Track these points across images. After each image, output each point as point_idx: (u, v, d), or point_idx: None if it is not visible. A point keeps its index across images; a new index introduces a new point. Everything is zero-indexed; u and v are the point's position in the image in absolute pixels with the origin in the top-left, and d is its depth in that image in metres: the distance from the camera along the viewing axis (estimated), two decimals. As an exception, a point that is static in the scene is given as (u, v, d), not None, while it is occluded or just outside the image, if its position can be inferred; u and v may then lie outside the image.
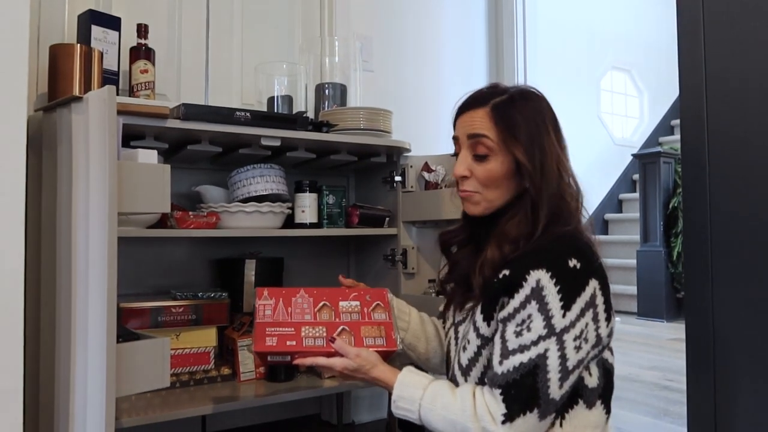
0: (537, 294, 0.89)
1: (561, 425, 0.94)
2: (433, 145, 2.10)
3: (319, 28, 2.20)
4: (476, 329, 0.99)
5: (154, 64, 1.74)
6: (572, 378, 0.90)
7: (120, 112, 1.36)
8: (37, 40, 1.64)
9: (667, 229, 4.63)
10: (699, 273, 1.23)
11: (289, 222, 1.71)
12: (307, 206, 1.73)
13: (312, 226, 1.72)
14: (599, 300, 0.92)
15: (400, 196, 1.84)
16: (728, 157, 1.20)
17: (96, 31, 1.63)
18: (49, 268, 1.15)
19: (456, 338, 1.07)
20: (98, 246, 0.99)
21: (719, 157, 1.21)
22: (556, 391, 0.88)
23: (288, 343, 1.06)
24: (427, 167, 1.84)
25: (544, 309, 0.89)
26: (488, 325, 0.96)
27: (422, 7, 2.48)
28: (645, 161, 4.78)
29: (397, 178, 1.85)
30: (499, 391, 0.89)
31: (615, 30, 5.61)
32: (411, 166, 1.85)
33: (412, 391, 0.97)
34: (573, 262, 0.90)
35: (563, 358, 0.88)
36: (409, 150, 1.83)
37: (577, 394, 0.95)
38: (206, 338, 1.63)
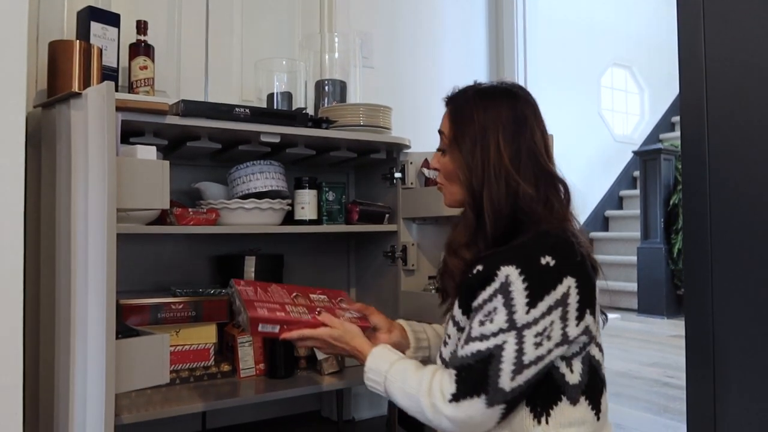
0: (504, 289, 0.91)
1: (547, 422, 0.94)
2: (433, 141, 2.08)
3: (318, 24, 2.19)
4: (456, 323, 1.01)
5: (153, 61, 1.74)
6: (528, 373, 0.90)
7: (119, 109, 1.36)
8: (36, 37, 1.64)
9: (668, 226, 4.63)
10: (699, 270, 1.23)
11: (289, 218, 1.71)
12: (306, 203, 1.73)
13: (312, 222, 1.73)
14: (572, 299, 0.92)
15: (400, 193, 1.84)
16: (728, 153, 1.20)
17: (95, 27, 1.63)
18: (49, 265, 1.15)
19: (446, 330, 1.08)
20: (98, 242, 0.99)
21: (719, 153, 1.21)
22: (506, 382, 0.89)
23: (277, 313, 1.11)
24: (426, 164, 1.84)
25: (508, 304, 0.90)
26: (467, 317, 0.98)
27: (422, 4, 2.47)
28: (645, 158, 4.77)
29: (397, 175, 1.84)
30: (454, 372, 0.93)
31: (615, 26, 5.60)
32: (411, 163, 1.85)
33: (380, 363, 1.02)
34: (546, 260, 0.91)
35: (520, 352, 0.90)
36: (408, 146, 1.83)
37: (560, 390, 0.95)
38: (206, 335, 1.63)
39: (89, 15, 1.62)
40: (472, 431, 0.94)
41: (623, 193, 5.59)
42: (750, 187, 1.15)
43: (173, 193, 1.74)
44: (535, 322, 0.90)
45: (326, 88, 1.95)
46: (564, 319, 0.92)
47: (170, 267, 1.79)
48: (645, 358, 3.19)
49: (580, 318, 0.93)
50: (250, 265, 1.73)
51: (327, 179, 1.80)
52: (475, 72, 2.61)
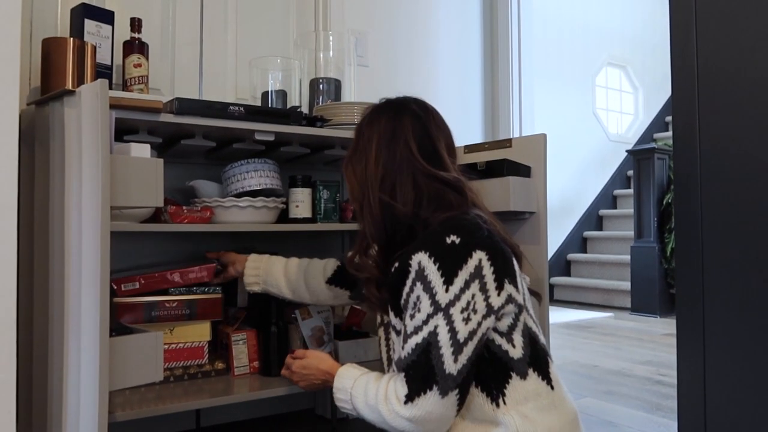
0: (420, 275, 0.94)
1: (504, 402, 0.96)
2: (428, 140, 2.10)
3: (313, 22, 2.19)
4: (393, 327, 1.04)
5: (147, 59, 1.73)
6: (467, 350, 0.92)
7: (113, 106, 1.36)
8: (30, 34, 1.63)
9: (661, 225, 4.65)
10: (690, 268, 1.23)
11: (283, 217, 1.72)
12: (301, 201, 1.73)
13: (306, 221, 1.73)
14: (487, 270, 0.94)
15: (395, 192, 1.84)
16: (720, 152, 1.21)
17: (89, 24, 1.62)
18: (42, 263, 1.15)
19: (387, 339, 1.13)
20: (91, 240, 0.99)
21: (711, 152, 1.22)
22: (451, 365, 0.91)
23: None
24: (421, 162, 1.84)
25: (428, 287, 0.93)
26: (401, 319, 1.01)
27: (417, 3, 2.48)
28: (639, 157, 4.79)
29: (392, 174, 1.84)
30: (403, 374, 0.94)
31: (610, 26, 5.62)
32: (405, 162, 1.85)
33: (345, 381, 1.04)
34: (451, 238, 0.95)
35: (453, 331, 0.91)
36: (403, 145, 1.83)
37: (507, 367, 0.97)
38: (200, 333, 1.63)
39: (83, 12, 1.62)
40: (436, 427, 0.94)
41: (617, 192, 5.61)
42: (742, 186, 1.16)
43: (167, 191, 1.74)
44: (457, 298, 0.92)
45: (321, 86, 1.95)
46: (484, 290, 0.94)
47: (164, 265, 1.78)
48: (638, 356, 3.20)
49: (499, 288, 0.95)
50: (244, 264, 1.73)
51: (321, 177, 1.80)
52: (470, 72, 2.62)
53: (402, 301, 0.98)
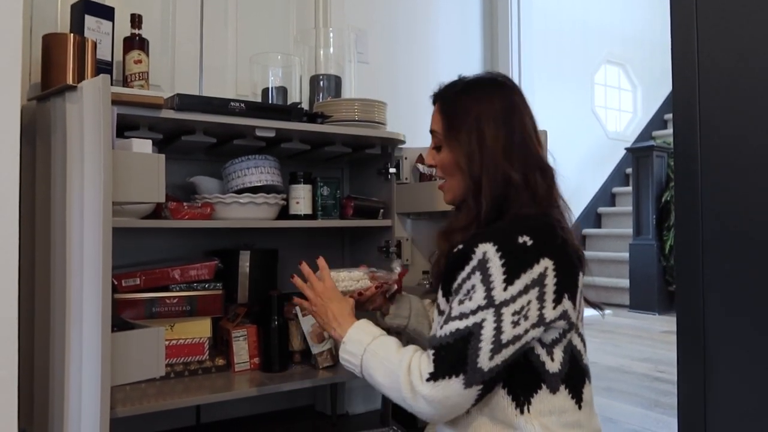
0: (482, 266, 0.92)
1: (528, 410, 0.95)
2: (428, 137, 2.10)
3: (313, 19, 2.19)
4: (437, 306, 1.02)
5: (148, 55, 1.73)
6: (506, 352, 0.91)
7: (114, 102, 1.36)
8: (30, 30, 1.63)
9: (660, 223, 4.65)
10: (690, 265, 1.24)
11: (284, 213, 1.72)
12: (301, 197, 1.73)
13: (306, 217, 1.73)
14: (549, 280, 0.93)
15: (395, 188, 1.84)
16: (720, 149, 1.21)
17: (89, 20, 1.62)
18: (43, 259, 1.15)
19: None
20: (93, 236, 0.99)
21: (711, 149, 1.22)
22: (485, 361, 0.90)
23: None
24: (421, 159, 1.84)
25: (486, 280, 0.91)
26: (447, 300, 0.99)
27: (417, 0, 2.48)
28: (638, 155, 4.80)
29: (392, 170, 1.85)
30: (433, 351, 0.93)
31: (609, 24, 5.62)
32: (405, 158, 1.85)
33: (363, 336, 1.02)
34: (523, 239, 0.93)
35: (498, 330, 0.90)
36: (403, 142, 1.83)
37: (540, 378, 0.96)
38: (201, 329, 1.63)
39: (83, 8, 1.61)
40: (447, 412, 0.94)
41: (616, 190, 5.62)
42: (741, 183, 1.17)
43: (168, 187, 1.72)
44: (513, 299, 0.91)
45: (321, 83, 1.95)
46: (541, 299, 0.92)
47: (164, 261, 1.78)
48: (636, 353, 3.21)
49: (557, 301, 0.94)
50: (244, 260, 1.73)
51: (322, 174, 1.80)
52: (470, 68, 2.61)
53: (455, 285, 0.96)
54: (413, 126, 2.04)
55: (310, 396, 2.13)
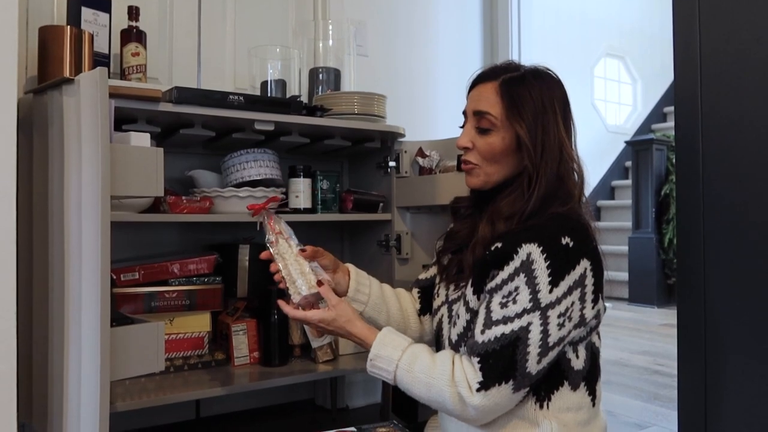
0: (526, 267, 0.90)
1: (548, 407, 0.95)
2: (428, 130, 2.09)
3: (312, 11, 2.17)
4: (466, 303, 0.99)
5: (145, 47, 1.72)
6: (551, 355, 0.90)
7: (111, 95, 1.35)
8: (26, 22, 1.61)
9: (659, 216, 4.66)
10: (691, 258, 1.23)
11: (283, 207, 1.71)
12: (301, 191, 1.72)
13: (306, 211, 1.72)
14: (588, 281, 0.92)
15: (394, 182, 1.83)
16: (722, 141, 1.20)
17: (86, 13, 1.60)
18: (41, 253, 1.14)
19: (449, 316, 1.06)
20: (91, 230, 0.98)
21: (713, 141, 1.21)
22: (533, 365, 0.89)
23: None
24: (421, 152, 1.83)
25: (531, 282, 0.89)
26: (478, 298, 0.97)
27: (417, -8, 2.46)
28: (638, 148, 4.79)
29: (392, 164, 1.84)
30: (478, 359, 0.90)
31: (609, 16, 5.59)
32: (405, 152, 1.84)
33: (390, 351, 0.97)
34: (566, 240, 0.91)
35: (545, 333, 0.89)
36: (403, 135, 1.82)
37: (563, 375, 0.96)
38: (200, 323, 1.63)
39: (80, 0, 1.60)
40: (493, 416, 0.93)
41: (615, 183, 5.61)
42: (744, 176, 1.16)
43: (167, 181, 1.70)
44: (558, 301, 0.89)
45: (320, 76, 1.94)
46: (582, 300, 0.92)
47: (163, 256, 1.78)
48: (635, 346, 3.22)
49: (595, 301, 0.94)
50: (244, 254, 1.72)
51: (321, 168, 1.79)
52: (470, 62, 2.61)
53: (492, 284, 0.93)
54: (413, 119, 2.03)
55: (310, 390, 2.12)
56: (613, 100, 5.86)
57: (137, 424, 1.79)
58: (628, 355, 3.03)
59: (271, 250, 1.08)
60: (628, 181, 5.17)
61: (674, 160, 4.75)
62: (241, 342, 1.67)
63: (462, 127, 1.08)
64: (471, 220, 1.10)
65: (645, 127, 5.87)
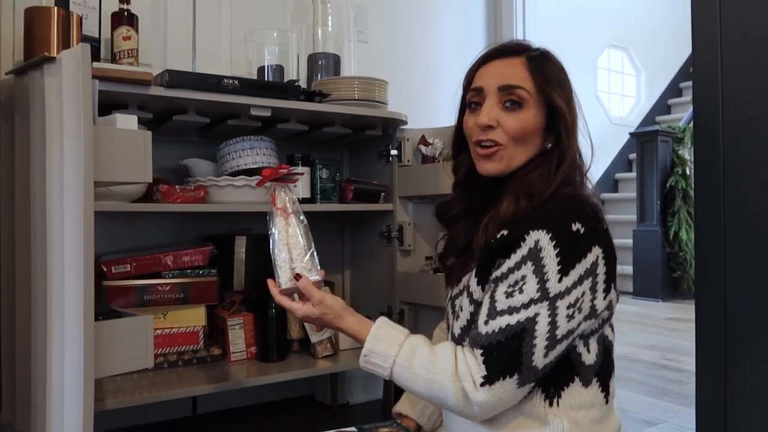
0: (534, 255, 0.85)
1: (558, 404, 0.90)
2: (430, 118, 2.03)
3: (311, -5, 2.10)
4: (470, 295, 0.93)
5: (137, 31, 1.65)
6: (559, 348, 0.85)
7: (100, 78, 1.29)
8: (13, 3, 1.55)
9: (664, 209, 4.59)
10: (710, 251, 1.17)
11: (281, 197, 1.64)
12: (299, 181, 1.66)
13: (305, 201, 1.67)
14: (600, 269, 0.87)
15: (396, 171, 1.77)
16: (743, 128, 1.14)
17: (75, -6, 1.54)
18: (24, 244, 1.08)
19: (453, 312, 1.01)
20: (74, 218, 0.92)
21: (733, 128, 1.15)
22: (540, 359, 0.84)
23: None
24: (424, 140, 1.78)
25: (539, 271, 0.84)
26: (482, 289, 0.92)
27: (419, -23, 2.39)
28: (643, 140, 4.72)
29: (393, 152, 1.78)
30: (481, 351, 0.85)
31: (612, 7, 5.51)
32: (407, 140, 1.78)
33: (386, 346, 0.91)
34: (576, 226, 0.86)
35: (553, 325, 0.84)
36: (405, 122, 1.76)
37: (574, 371, 0.91)
38: (195, 317, 1.58)
39: (68, -20, 1.53)
40: (495, 412, 0.88)
41: (619, 175, 5.54)
42: (766, 164, 1.10)
43: (160, 170, 1.67)
44: (568, 291, 0.84)
45: (319, 62, 1.87)
46: (593, 290, 0.86)
47: (157, 248, 1.72)
48: (642, 340, 3.16)
49: (607, 291, 0.88)
50: (240, 246, 1.66)
51: (320, 157, 1.73)
52: (472, 49, 2.53)
53: (498, 273, 0.88)
54: (415, 107, 1.97)
55: (309, 386, 2.08)
56: (617, 92, 5.78)
57: (132, 421, 1.75)
58: (634, 349, 2.97)
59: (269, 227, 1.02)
60: (632, 174, 5.10)
61: (679, 152, 4.68)
62: (238, 337, 1.62)
63: (470, 104, 0.99)
64: (466, 220, 1.04)
65: (649, 119, 5.80)
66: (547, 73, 0.95)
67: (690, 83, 5.84)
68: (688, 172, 4.67)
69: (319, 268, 1.03)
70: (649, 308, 4.16)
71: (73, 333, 0.92)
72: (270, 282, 1.02)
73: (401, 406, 1.15)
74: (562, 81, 0.97)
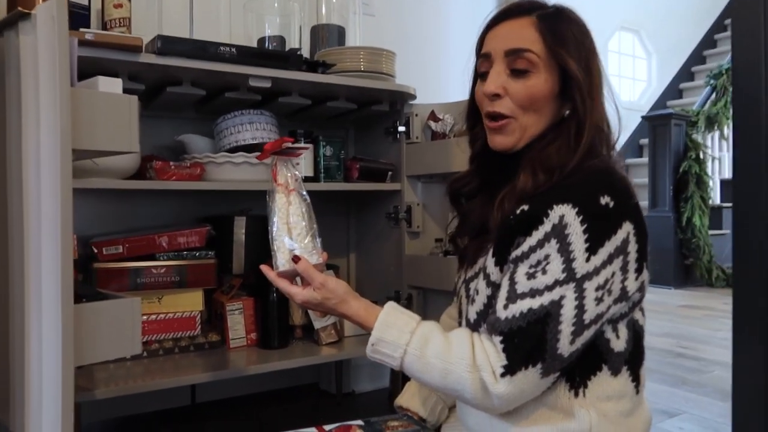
0: (559, 232, 0.77)
1: (584, 394, 0.82)
2: (440, 93, 1.93)
3: (314, -35, 2.00)
4: (486, 276, 0.85)
5: (130, 0, 1.55)
6: (587, 334, 0.78)
7: (87, 43, 1.20)
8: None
9: (677, 194, 4.49)
10: (750, 235, 1.07)
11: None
12: (302, 158, 1.57)
13: (308, 180, 1.58)
14: (632, 247, 0.78)
15: (404, 148, 1.69)
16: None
17: (62, -43, 1.44)
18: (1, 223, 1.00)
19: (467, 295, 0.93)
20: (50, 189, 0.83)
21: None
22: (565, 346, 0.76)
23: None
24: (433, 116, 1.68)
25: (565, 249, 0.76)
26: (500, 270, 0.84)
27: (427, -54, 2.28)
28: (655, 124, 4.61)
29: (401, 129, 1.69)
30: (500, 338, 0.77)
31: (624, -13, 5.37)
32: (416, 115, 1.70)
33: (396, 333, 0.83)
34: (605, 200, 0.78)
35: (580, 309, 0.76)
36: (414, 96, 1.67)
37: (602, 358, 0.83)
38: (192, 302, 1.49)
39: (54, -57, 1.43)
40: (515, 405, 0.80)
41: (630, 161, 5.42)
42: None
43: (154, 148, 1.59)
44: (596, 272, 0.76)
45: (323, 33, 1.77)
46: (624, 270, 0.78)
47: (150, 228, 1.63)
48: (656, 328, 3.08)
49: (639, 271, 0.80)
50: (240, 227, 1.58)
51: (324, 133, 1.65)
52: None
53: (518, 252, 0.80)
54: (423, 83, 1.86)
55: (313, 373, 2.01)
56: (628, 76, 5.65)
57: (128, 411, 1.70)
58: (649, 337, 2.85)
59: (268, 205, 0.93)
60: (643, 159, 4.98)
61: (693, 136, 4.55)
62: (237, 322, 1.55)
63: (481, 74, 0.91)
64: (482, 197, 0.96)
65: (660, 103, 5.68)
66: (560, 32, 0.86)
67: (702, 67, 5.75)
68: (702, 157, 4.57)
69: (321, 250, 0.94)
70: (661, 295, 4.08)
71: (50, 317, 0.83)
72: (264, 267, 0.92)
73: (403, 399, 1.07)
74: (580, 41, 0.86)
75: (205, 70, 1.33)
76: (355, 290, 0.89)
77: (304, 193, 0.96)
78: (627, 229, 0.78)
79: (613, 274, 0.77)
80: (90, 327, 0.87)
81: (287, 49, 1.72)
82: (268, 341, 1.54)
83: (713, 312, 3.56)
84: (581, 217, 0.76)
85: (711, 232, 4.52)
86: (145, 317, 1.43)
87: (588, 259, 0.76)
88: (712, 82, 5.05)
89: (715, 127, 4.88)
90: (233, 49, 1.33)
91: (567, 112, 0.86)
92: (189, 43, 1.30)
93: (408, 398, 1.07)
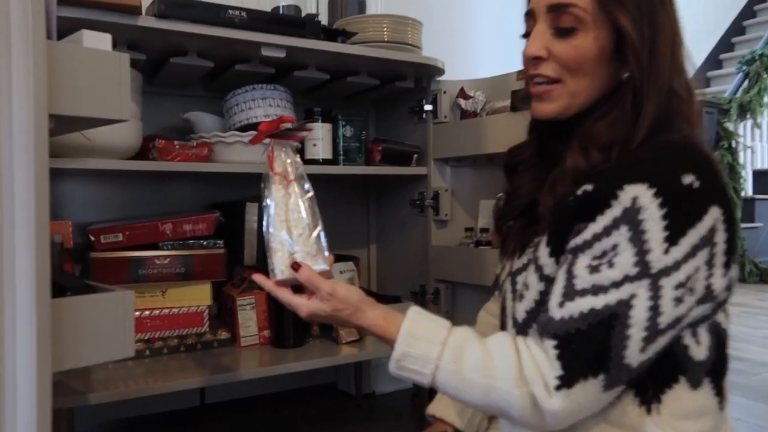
0: (631, 217, 0.65)
1: (658, 411, 0.69)
2: (469, 69, 1.79)
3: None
4: (538, 269, 0.73)
5: (131, -35, 1.42)
6: (661, 341, 0.66)
7: (78, 4, 1.07)
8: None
9: (709, 185, 4.33)
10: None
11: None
12: (319, 139, 1.46)
13: (325, 162, 1.47)
14: (719, 237, 0.66)
15: (431, 129, 1.57)
16: None
17: None
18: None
19: (513, 290, 0.80)
20: (23, 161, 0.70)
21: None
22: (634, 354, 0.64)
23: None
24: (463, 93, 1.55)
25: (638, 239, 0.64)
26: (556, 261, 0.72)
27: None
28: (686, 111, 4.45)
29: (428, 107, 1.58)
30: (554, 343, 0.66)
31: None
32: (444, 93, 1.58)
33: (424, 346, 0.71)
34: (689, 179, 0.65)
35: (655, 310, 0.64)
36: (442, 71, 1.54)
37: (679, 369, 0.70)
38: (199, 296, 1.38)
39: None
40: (568, 423, 0.68)
41: (657, 151, 5.27)
42: None
43: (159, 128, 1.47)
44: (677, 266, 0.64)
45: (342, 2, 1.64)
46: (710, 265, 0.65)
47: (153, 215, 1.50)
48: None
49: (727, 265, 0.67)
50: (252, 214, 1.46)
51: (344, 112, 1.52)
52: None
53: (579, 241, 0.68)
54: (452, 57, 1.71)
55: (331, 373, 1.90)
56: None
57: (134, 411, 1.62)
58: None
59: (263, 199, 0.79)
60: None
61: (725, 125, 4.39)
62: (249, 318, 1.44)
63: (526, 34, 0.79)
64: (536, 170, 0.84)
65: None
66: None
67: (731, 54, 5.55)
68: (734, 146, 4.41)
69: (327, 253, 0.80)
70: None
71: (24, 313, 0.70)
72: (258, 277, 0.79)
73: (436, 408, 0.94)
74: None
75: (213, 37, 1.20)
76: (376, 285, 0.77)
77: (307, 185, 0.81)
78: (714, 215, 0.65)
79: (696, 270, 0.65)
80: (72, 326, 0.74)
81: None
82: (282, 339, 1.43)
83: (750, 309, 3.39)
84: (660, 200, 0.64)
85: (743, 225, 4.37)
86: (147, 312, 1.33)
87: (667, 251, 0.64)
88: (744, 68, 4.88)
89: (748, 116, 4.72)
90: (243, 13, 1.20)
91: (626, 75, 0.73)
92: (194, 6, 1.17)
93: (442, 407, 0.94)
